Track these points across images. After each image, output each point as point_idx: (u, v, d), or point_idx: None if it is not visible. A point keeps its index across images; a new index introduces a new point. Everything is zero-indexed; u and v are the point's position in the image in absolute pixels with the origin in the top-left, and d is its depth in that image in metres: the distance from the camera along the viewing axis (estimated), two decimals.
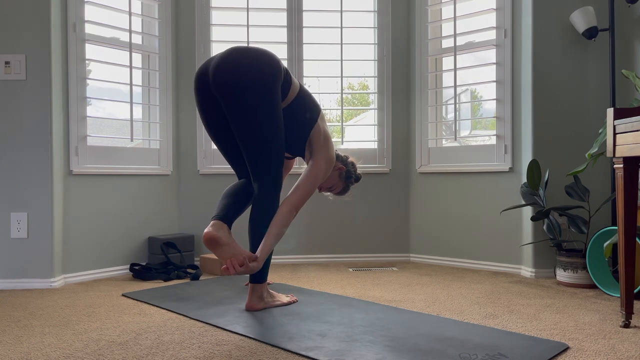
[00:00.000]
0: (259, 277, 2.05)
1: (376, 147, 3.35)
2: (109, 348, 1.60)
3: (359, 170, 2.38)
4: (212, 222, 1.89)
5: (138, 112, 3.13)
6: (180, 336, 1.73)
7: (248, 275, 2.37)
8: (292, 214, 1.98)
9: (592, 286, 2.47)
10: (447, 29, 3.29)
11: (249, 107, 1.94)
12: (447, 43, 3.25)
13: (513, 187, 2.92)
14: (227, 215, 1.94)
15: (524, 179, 2.83)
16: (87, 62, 2.80)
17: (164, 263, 2.86)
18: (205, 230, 1.86)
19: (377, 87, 3.35)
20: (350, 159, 2.35)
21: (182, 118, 3.22)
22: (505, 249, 2.95)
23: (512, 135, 2.92)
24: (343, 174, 2.30)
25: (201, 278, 2.76)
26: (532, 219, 2.58)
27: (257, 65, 1.95)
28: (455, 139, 3.17)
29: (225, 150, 2.16)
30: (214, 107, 2.06)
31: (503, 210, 2.66)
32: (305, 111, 2.13)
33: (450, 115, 3.28)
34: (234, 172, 2.23)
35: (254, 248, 1.99)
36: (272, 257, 2.23)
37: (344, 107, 3.36)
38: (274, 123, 1.98)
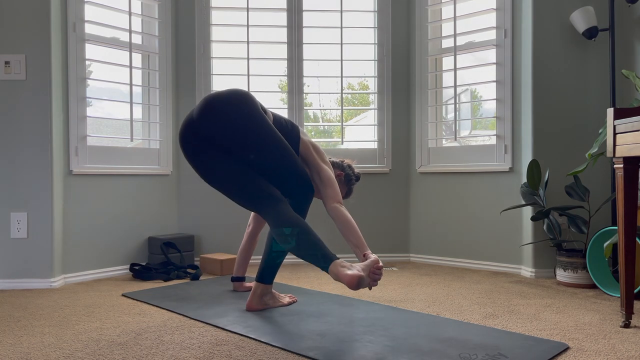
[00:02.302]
0: (265, 278, 2.05)
1: (376, 147, 3.35)
2: (108, 348, 1.60)
3: (356, 170, 2.40)
4: (339, 264, 1.65)
5: (138, 112, 3.13)
6: (180, 336, 1.73)
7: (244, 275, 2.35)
8: (343, 206, 1.99)
9: (592, 286, 2.47)
10: (447, 29, 3.29)
11: (254, 137, 1.89)
12: (447, 43, 3.25)
13: (513, 187, 2.92)
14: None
15: (524, 179, 2.83)
16: (87, 62, 2.80)
17: (164, 263, 2.86)
18: (348, 276, 1.58)
19: (377, 87, 3.35)
20: (346, 161, 2.37)
21: (182, 118, 3.21)
22: (505, 249, 2.95)
23: (512, 135, 2.92)
24: (343, 179, 2.32)
25: (201, 278, 2.76)
26: (532, 219, 2.58)
27: (237, 105, 1.90)
28: (455, 139, 3.17)
29: (235, 189, 1.94)
30: (205, 152, 1.92)
31: (503, 210, 2.66)
32: (283, 131, 2.09)
33: (450, 115, 3.28)
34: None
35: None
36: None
37: (344, 107, 3.35)
38: (280, 142, 1.95)
